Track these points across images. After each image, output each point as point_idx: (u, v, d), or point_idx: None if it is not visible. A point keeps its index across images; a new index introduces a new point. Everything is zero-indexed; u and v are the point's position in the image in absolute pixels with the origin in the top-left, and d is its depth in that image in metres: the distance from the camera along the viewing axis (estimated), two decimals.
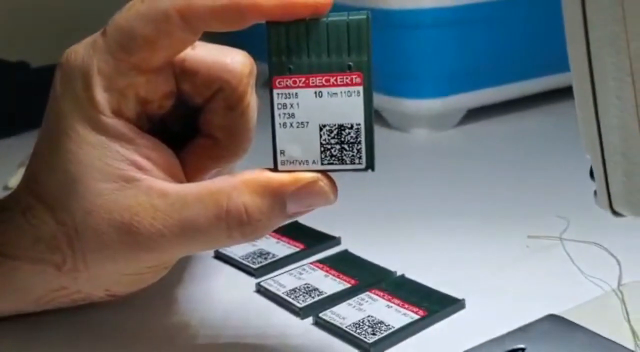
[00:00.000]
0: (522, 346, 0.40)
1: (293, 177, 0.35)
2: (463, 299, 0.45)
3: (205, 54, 0.41)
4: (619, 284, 0.45)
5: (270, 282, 0.48)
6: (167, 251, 0.36)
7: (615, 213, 0.31)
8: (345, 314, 0.43)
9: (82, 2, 1.05)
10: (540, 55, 0.81)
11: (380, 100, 0.83)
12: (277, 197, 0.35)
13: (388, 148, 0.79)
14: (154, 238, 0.36)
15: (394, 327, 0.42)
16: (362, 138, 0.34)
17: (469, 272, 0.49)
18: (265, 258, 0.51)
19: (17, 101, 0.88)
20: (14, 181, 0.68)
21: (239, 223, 0.35)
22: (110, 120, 0.37)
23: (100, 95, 0.37)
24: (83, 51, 0.38)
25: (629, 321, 0.41)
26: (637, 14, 0.25)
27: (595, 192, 0.32)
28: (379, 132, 0.84)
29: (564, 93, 0.79)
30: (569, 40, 0.30)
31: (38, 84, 0.90)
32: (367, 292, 0.46)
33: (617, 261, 0.48)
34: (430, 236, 0.55)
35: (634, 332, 0.40)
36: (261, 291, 0.47)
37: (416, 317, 0.43)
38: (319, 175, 0.36)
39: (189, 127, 0.43)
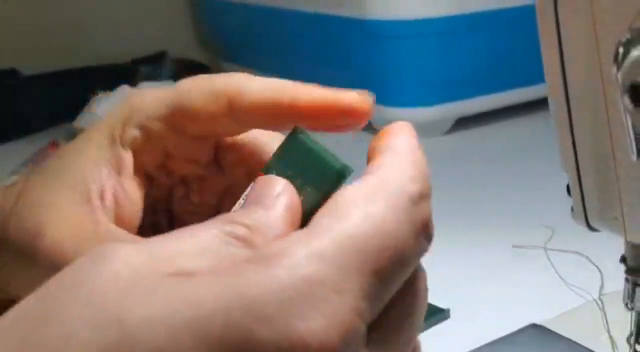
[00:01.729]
0: None
1: None
2: (448, 310, 0.46)
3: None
4: (600, 294, 0.46)
5: None
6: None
7: (591, 228, 0.32)
8: None
9: (74, 12, 1.05)
10: (528, 65, 0.82)
11: None
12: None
13: None
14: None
15: None
16: None
17: (454, 283, 0.50)
18: None
19: (8, 109, 0.89)
20: None
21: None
22: (124, 153, 0.38)
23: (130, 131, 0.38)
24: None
25: (608, 330, 0.42)
26: (609, 39, 0.26)
27: (572, 208, 0.33)
28: (368, 140, 0.85)
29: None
30: (545, 62, 0.30)
31: (29, 92, 0.92)
32: None
33: (600, 271, 0.49)
34: None
35: (613, 342, 0.41)
36: None
37: None
38: None
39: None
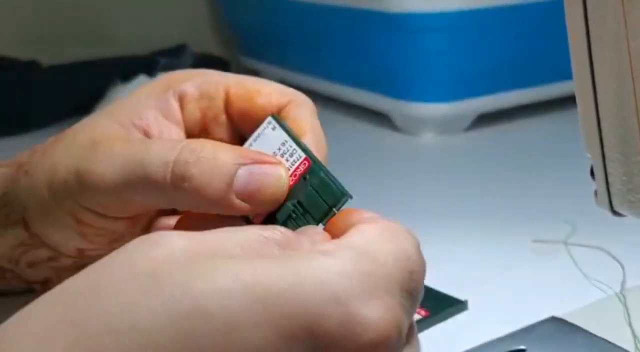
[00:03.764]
0: (522, 347, 0.40)
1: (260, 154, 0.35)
2: (466, 301, 0.45)
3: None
4: (622, 288, 0.45)
5: None
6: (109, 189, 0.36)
7: (615, 213, 0.31)
8: None
9: (94, 3, 1.06)
10: (551, 61, 0.81)
11: (389, 103, 0.83)
12: (239, 155, 0.34)
13: (396, 151, 0.79)
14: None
15: None
16: None
17: (472, 274, 0.49)
18: None
19: (28, 100, 0.89)
20: None
21: (190, 151, 0.34)
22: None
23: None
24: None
25: (630, 324, 0.41)
26: (637, 12, 0.25)
27: (595, 192, 0.32)
28: (388, 135, 0.85)
29: (573, 100, 0.79)
30: (570, 38, 0.30)
31: (48, 83, 0.92)
32: None
33: (621, 265, 0.48)
34: (435, 237, 0.55)
35: (635, 336, 0.40)
36: None
37: (418, 317, 0.43)
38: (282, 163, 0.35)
39: None
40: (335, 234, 0.30)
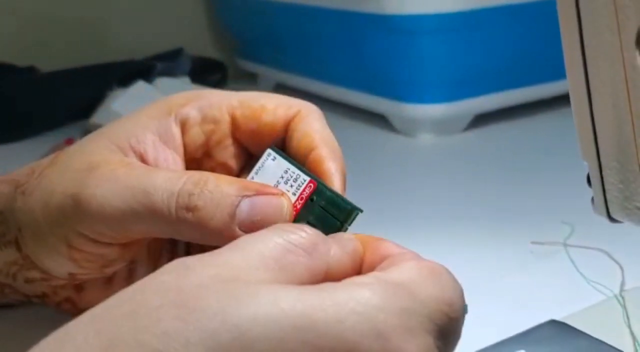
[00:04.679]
0: (522, 351, 0.40)
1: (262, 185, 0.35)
2: (465, 305, 0.45)
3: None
4: (621, 290, 0.45)
5: None
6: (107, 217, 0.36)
7: (612, 219, 0.32)
8: None
9: (90, 9, 1.06)
10: (547, 60, 0.81)
11: (386, 105, 0.84)
12: (242, 187, 0.34)
13: (394, 153, 0.79)
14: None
15: None
16: None
17: (471, 277, 0.49)
18: None
19: (26, 106, 0.89)
20: None
21: (193, 184, 0.34)
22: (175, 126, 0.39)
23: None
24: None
25: (629, 327, 0.41)
26: (631, 22, 0.25)
27: (592, 199, 0.32)
28: (385, 136, 0.85)
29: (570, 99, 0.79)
30: (565, 47, 0.30)
31: (46, 89, 0.92)
32: None
33: (620, 267, 0.48)
34: (433, 240, 0.56)
35: (634, 338, 0.40)
36: None
37: None
38: (285, 194, 0.35)
39: None
40: (365, 262, 0.30)
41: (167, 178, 0.35)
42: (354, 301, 0.24)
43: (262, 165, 0.37)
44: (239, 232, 0.33)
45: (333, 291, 0.25)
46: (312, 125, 0.38)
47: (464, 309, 0.29)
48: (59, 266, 0.39)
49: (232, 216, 0.33)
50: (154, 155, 0.38)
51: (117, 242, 0.37)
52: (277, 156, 0.37)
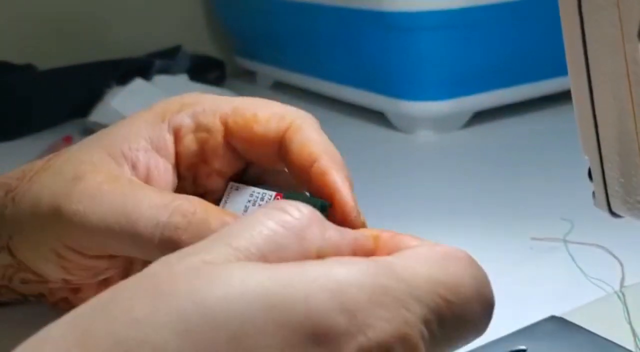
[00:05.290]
0: (523, 347, 0.40)
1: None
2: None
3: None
4: (621, 286, 0.45)
5: None
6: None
7: (613, 214, 0.32)
8: None
9: (88, 7, 1.05)
10: (547, 57, 0.81)
11: (385, 102, 0.83)
12: (227, 223, 0.34)
13: (393, 150, 0.79)
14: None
15: None
16: None
17: None
18: None
19: (24, 104, 0.89)
20: None
21: (181, 216, 0.34)
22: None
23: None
24: None
25: (630, 322, 0.41)
26: (633, 15, 0.25)
27: (593, 193, 0.32)
28: (384, 133, 0.85)
29: (570, 95, 0.79)
30: (566, 40, 0.30)
31: (44, 87, 0.91)
32: None
33: (620, 263, 0.48)
34: (432, 237, 0.55)
35: (635, 334, 0.40)
36: None
37: None
38: None
39: None
40: (378, 255, 0.29)
41: (154, 205, 0.34)
42: (324, 277, 0.24)
43: (228, 197, 0.38)
44: None
45: (306, 267, 0.24)
46: (309, 135, 0.37)
47: (479, 298, 0.27)
48: (53, 272, 0.39)
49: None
50: (146, 163, 0.38)
51: (103, 254, 0.37)
52: (239, 186, 0.38)
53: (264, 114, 0.38)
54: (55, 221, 0.36)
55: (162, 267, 0.25)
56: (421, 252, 0.27)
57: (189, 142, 0.39)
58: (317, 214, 0.28)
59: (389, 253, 0.28)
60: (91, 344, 0.22)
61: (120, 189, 0.36)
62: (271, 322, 0.23)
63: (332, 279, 0.24)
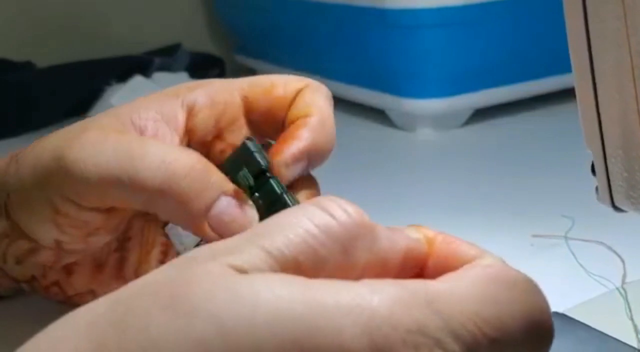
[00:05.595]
0: None
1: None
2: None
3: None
4: (623, 283, 0.45)
5: None
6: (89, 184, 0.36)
7: (616, 208, 0.31)
8: None
9: (88, 4, 1.05)
10: (547, 55, 0.81)
11: (386, 100, 0.83)
12: (225, 182, 0.35)
13: (393, 148, 0.79)
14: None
15: None
16: None
17: None
18: None
19: (23, 101, 0.89)
20: None
21: (183, 167, 0.35)
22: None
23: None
24: None
25: (632, 318, 0.41)
26: (637, 9, 0.25)
27: (596, 188, 0.32)
28: (384, 131, 0.85)
29: (571, 93, 0.79)
30: (569, 34, 0.29)
31: (43, 84, 0.91)
32: None
33: (622, 259, 0.48)
34: None
35: (637, 330, 0.40)
36: None
37: None
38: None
39: None
40: (429, 267, 0.27)
41: (160, 149, 0.35)
42: (358, 308, 0.22)
43: None
44: (207, 228, 0.34)
45: (342, 295, 0.22)
46: (317, 98, 0.38)
47: (530, 332, 0.24)
48: (45, 231, 0.39)
49: (208, 207, 0.34)
50: (154, 132, 0.38)
51: (99, 207, 0.37)
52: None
53: (281, 79, 0.40)
54: (55, 169, 0.36)
55: (181, 271, 0.23)
56: (469, 275, 0.25)
57: (204, 117, 0.39)
58: (366, 218, 0.25)
59: (442, 263, 0.26)
60: None
61: (127, 138, 0.36)
62: (289, 346, 0.21)
63: (366, 312, 0.22)
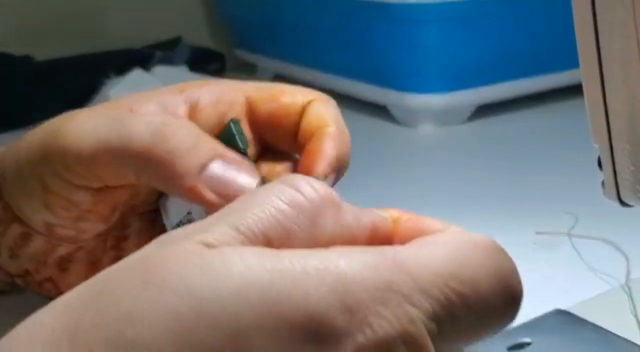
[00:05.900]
0: (528, 340, 0.39)
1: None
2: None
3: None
4: (627, 280, 0.45)
5: None
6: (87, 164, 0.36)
7: (623, 203, 0.31)
8: None
9: None
10: (550, 51, 0.81)
11: (388, 95, 0.83)
12: (218, 147, 0.35)
13: (395, 143, 0.79)
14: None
15: None
16: None
17: None
18: None
19: (22, 95, 0.88)
20: None
21: (173, 124, 0.35)
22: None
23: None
24: None
25: (636, 315, 0.40)
26: None
27: (603, 183, 0.31)
28: (386, 127, 0.84)
29: (574, 90, 0.78)
30: (577, 26, 0.29)
31: (42, 78, 0.91)
32: None
33: (625, 256, 0.48)
34: None
35: None
36: None
37: None
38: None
39: None
40: (397, 242, 0.28)
41: (150, 116, 0.36)
42: (326, 271, 0.22)
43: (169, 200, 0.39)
44: (202, 187, 0.33)
45: (309, 260, 0.23)
46: (327, 109, 0.38)
47: (501, 290, 0.25)
48: (35, 211, 0.39)
49: (203, 166, 0.34)
50: None
51: (88, 184, 0.37)
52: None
53: (290, 88, 0.40)
54: (49, 142, 0.37)
55: (156, 250, 0.24)
56: (438, 240, 0.26)
57: (208, 115, 0.39)
58: (333, 194, 0.26)
59: (408, 238, 0.27)
60: (81, 340, 0.21)
61: (118, 111, 0.37)
62: (269, 321, 0.22)
63: (333, 274, 0.22)
